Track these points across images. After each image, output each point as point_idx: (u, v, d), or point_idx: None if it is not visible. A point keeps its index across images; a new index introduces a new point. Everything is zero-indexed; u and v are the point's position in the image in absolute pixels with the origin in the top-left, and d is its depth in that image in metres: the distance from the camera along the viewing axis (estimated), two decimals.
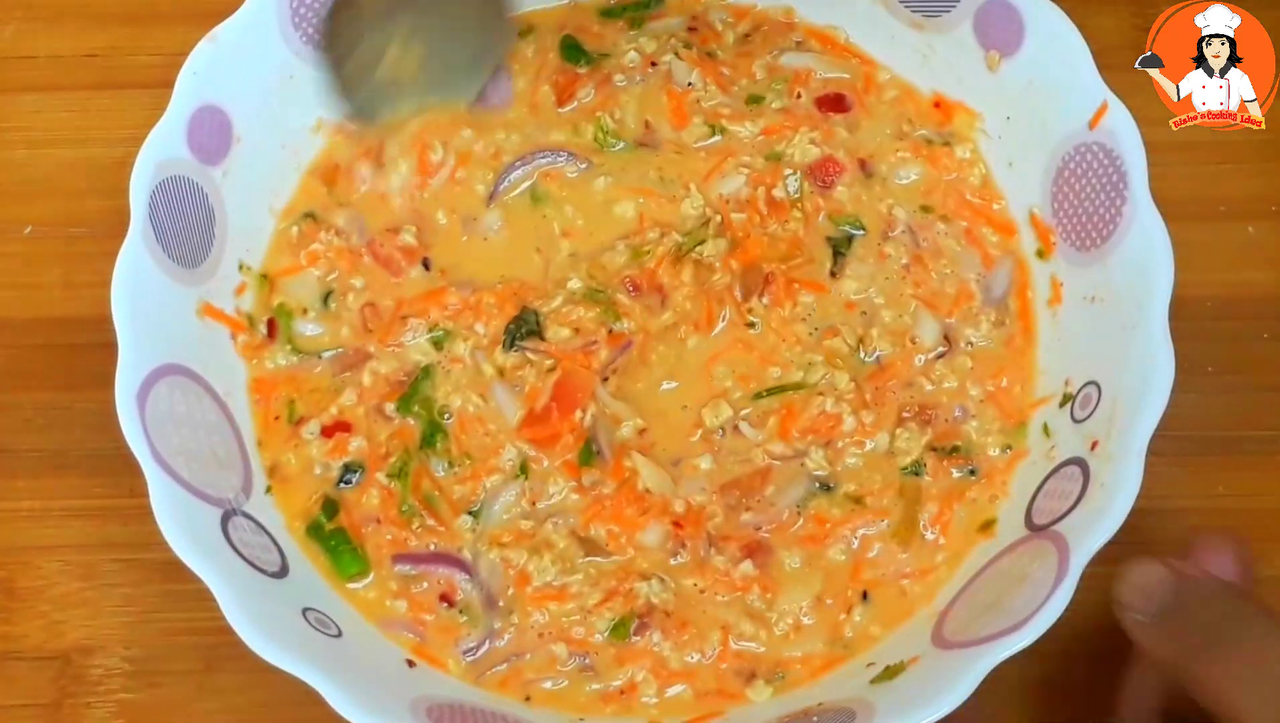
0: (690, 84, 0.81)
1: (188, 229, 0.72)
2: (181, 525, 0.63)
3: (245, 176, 0.76)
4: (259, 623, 0.62)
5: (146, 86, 0.82)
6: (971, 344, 0.76)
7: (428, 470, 0.72)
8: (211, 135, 0.74)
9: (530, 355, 0.74)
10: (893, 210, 0.78)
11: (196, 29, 0.74)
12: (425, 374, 0.74)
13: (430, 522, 0.71)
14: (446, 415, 0.74)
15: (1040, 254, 0.76)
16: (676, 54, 0.81)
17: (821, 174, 0.79)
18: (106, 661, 0.73)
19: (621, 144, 0.80)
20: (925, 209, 0.79)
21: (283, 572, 0.68)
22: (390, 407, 0.74)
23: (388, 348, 0.75)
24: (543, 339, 0.75)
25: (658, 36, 0.82)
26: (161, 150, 0.71)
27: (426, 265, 0.77)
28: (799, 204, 0.78)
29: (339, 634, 0.66)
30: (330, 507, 0.71)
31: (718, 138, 0.80)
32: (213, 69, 0.74)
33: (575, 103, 0.81)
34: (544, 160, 0.79)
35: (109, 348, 0.66)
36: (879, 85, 0.82)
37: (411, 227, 0.78)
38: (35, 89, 0.87)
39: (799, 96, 0.81)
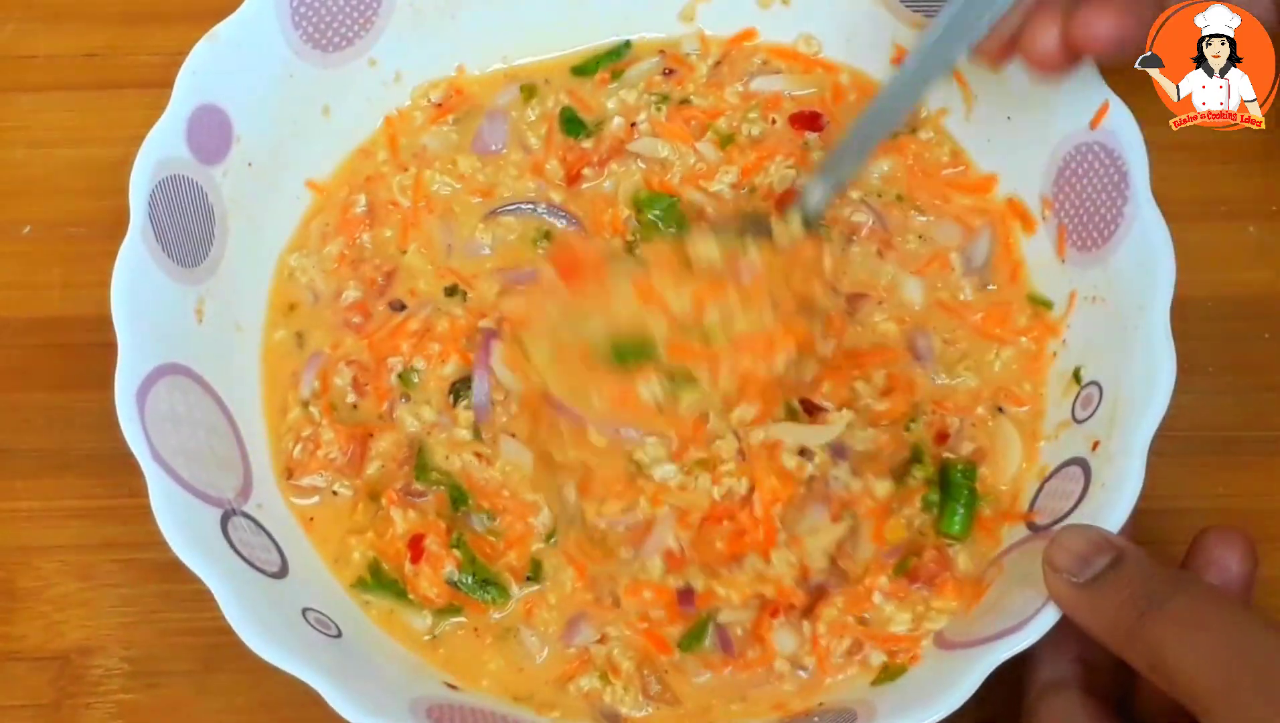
0: (666, 156, 0.81)
1: (188, 229, 0.72)
2: (181, 525, 0.63)
3: (245, 176, 0.75)
4: (259, 623, 0.61)
5: (146, 86, 0.82)
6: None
7: (468, 526, 0.71)
8: (211, 135, 0.74)
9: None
10: (852, 216, 0.78)
11: (196, 28, 0.74)
12: (423, 444, 0.73)
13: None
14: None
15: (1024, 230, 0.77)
16: (654, 109, 0.82)
17: (785, 200, 0.79)
18: (106, 661, 0.73)
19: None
20: (900, 198, 0.79)
21: (282, 572, 0.67)
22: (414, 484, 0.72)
23: (380, 413, 0.74)
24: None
25: (635, 85, 0.83)
26: (161, 150, 0.71)
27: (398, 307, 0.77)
28: None
29: (339, 635, 0.66)
30: (376, 571, 0.71)
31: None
32: (212, 68, 0.73)
33: (583, 184, 0.81)
34: (539, 211, 0.80)
35: (109, 348, 0.66)
36: (843, 90, 0.82)
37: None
38: (34, 89, 0.87)
39: (774, 122, 0.82)
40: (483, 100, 0.83)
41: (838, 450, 0.69)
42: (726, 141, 0.81)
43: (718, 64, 0.84)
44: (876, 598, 0.69)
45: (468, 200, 0.80)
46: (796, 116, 0.82)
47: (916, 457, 0.72)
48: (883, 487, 0.70)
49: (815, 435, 0.69)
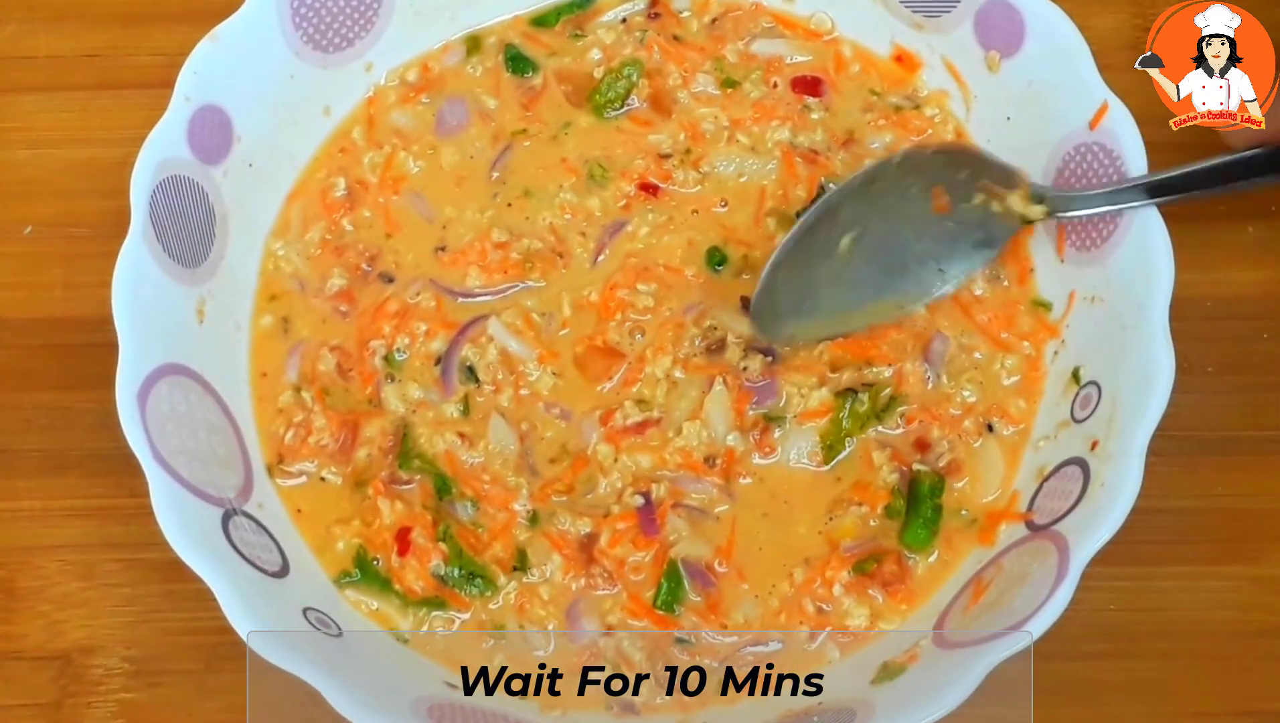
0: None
1: (188, 229, 0.72)
2: (182, 525, 0.63)
3: (245, 176, 0.76)
4: (259, 623, 0.62)
5: (147, 86, 0.82)
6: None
7: (453, 517, 0.71)
8: (212, 135, 0.74)
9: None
10: None
11: (197, 29, 0.74)
12: (407, 428, 0.73)
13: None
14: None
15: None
16: (638, 38, 0.82)
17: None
18: (107, 660, 0.73)
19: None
20: None
21: (283, 571, 0.68)
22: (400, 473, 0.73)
23: (368, 396, 0.74)
24: (476, 379, 0.75)
25: (613, 27, 0.83)
26: (162, 150, 0.71)
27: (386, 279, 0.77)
28: None
29: (339, 634, 0.66)
30: (362, 561, 0.71)
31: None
32: (213, 69, 0.74)
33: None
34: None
35: (110, 348, 0.66)
36: (846, 61, 0.82)
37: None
38: (35, 89, 0.87)
39: (775, 86, 0.82)
40: (440, 72, 0.82)
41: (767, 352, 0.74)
42: (729, 85, 0.81)
43: (715, 20, 0.83)
44: (837, 591, 0.70)
45: (437, 181, 0.80)
46: (798, 81, 0.82)
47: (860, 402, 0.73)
48: (817, 396, 0.73)
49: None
